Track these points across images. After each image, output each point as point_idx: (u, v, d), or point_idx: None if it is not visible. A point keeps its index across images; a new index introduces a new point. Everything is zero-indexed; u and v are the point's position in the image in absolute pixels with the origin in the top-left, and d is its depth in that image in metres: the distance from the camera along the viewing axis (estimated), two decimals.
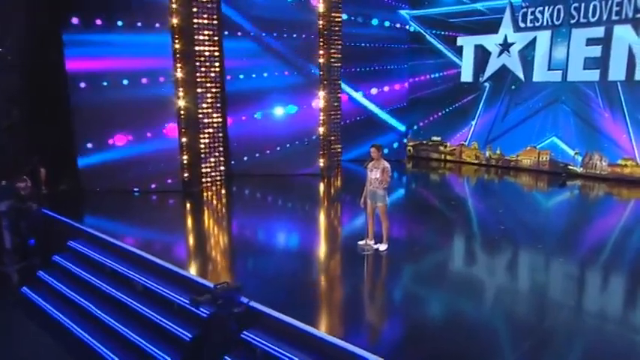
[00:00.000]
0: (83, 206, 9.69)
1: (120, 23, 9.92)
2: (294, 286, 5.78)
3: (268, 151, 12.21)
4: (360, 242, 7.03)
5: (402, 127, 15.09)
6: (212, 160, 11.26)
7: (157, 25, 9.85)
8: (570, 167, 12.60)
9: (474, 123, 14.45)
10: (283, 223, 8.46)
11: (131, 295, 6.06)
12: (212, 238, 7.83)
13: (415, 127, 16.07)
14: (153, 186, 10.49)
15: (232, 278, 5.60)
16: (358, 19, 13.77)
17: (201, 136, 11.05)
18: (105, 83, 10.10)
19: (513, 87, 13.50)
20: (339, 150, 13.37)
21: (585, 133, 12.21)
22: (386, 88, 14.82)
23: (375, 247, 6.95)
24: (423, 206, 9.96)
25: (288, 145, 12.17)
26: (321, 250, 7.33)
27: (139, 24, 9.84)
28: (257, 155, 12.24)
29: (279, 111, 12.16)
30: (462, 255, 7.28)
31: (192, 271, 6.10)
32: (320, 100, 12.11)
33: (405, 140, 15.54)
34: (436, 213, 9.36)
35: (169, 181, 10.46)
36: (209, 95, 11.00)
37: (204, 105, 10.95)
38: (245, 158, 12.32)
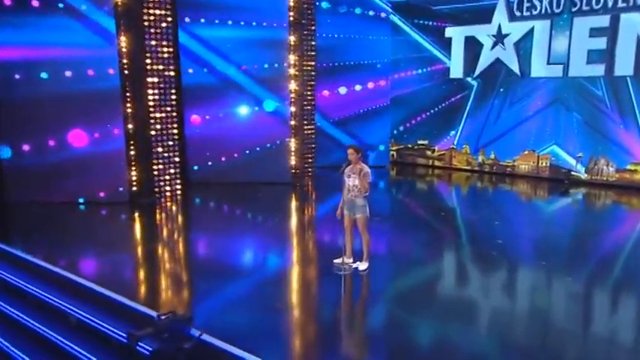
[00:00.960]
0: (5, 222, 9.36)
1: (61, 5, 9.64)
2: (257, 314, 5.53)
3: (236, 155, 12.29)
4: (336, 261, 6.84)
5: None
6: (169, 166, 11.19)
7: (106, 8, 9.71)
8: (573, 174, 12.65)
9: (460, 126, 14.65)
10: (247, 240, 8.29)
11: (62, 331, 5.60)
12: (161, 258, 7.59)
13: (398, 130, 16.14)
14: (102, 194, 10.41)
15: (182, 307, 5.47)
16: (330, 5, 13.92)
17: (156, 136, 10.93)
18: (43, 75, 9.77)
19: (508, 84, 13.60)
20: (311, 156, 13.25)
21: (589, 136, 12.23)
22: (368, 86, 14.90)
23: (354, 265, 6.79)
24: (409, 218, 9.99)
25: (258, 149, 12.23)
26: (291, 270, 7.13)
27: (84, 6, 9.61)
28: (223, 160, 12.29)
29: (244, 110, 12.25)
30: (455, 274, 7.17)
31: (135, 298, 5.80)
32: (292, 98, 12.26)
33: (388, 145, 15.59)
34: (424, 226, 9.33)
35: (120, 189, 10.38)
36: (164, 90, 10.90)
37: (157, 101, 10.82)
38: (209, 163, 12.38)
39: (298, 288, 6.63)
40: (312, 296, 6.36)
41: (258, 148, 12.32)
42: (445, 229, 9.06)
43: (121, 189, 10.35)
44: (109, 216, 9.63)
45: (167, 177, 11.20)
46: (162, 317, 4.12)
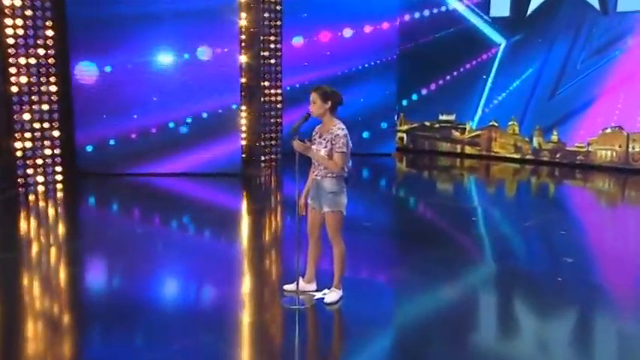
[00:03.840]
0: None
1: None
2: None
3: (154, 130, 12.44)
4: (288, 287, 6.70)
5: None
6: (43, 143, 11.44)
7: None
8: None
9: (504, 92, 14.93)
10: (157, 262, 8.09)
11: None
12: (27, 292, 7.25)
13: (409, 100, 16.28)
14: None
15: None
16: None
17: (20, 96, 11.09)
18: None
19: (580, 24, 13.70)
20: (275, 135, 13.83)
21: None
22: (364, 30, 15.10)
23: (318, 296, 6.60)
24: (421, 228, 10.05)
25: (188, 121, 12.47)
26: (215, 306, 6.93)
27: None
28: (133, 137, 12.44)
29: (168, 59, 12.28)
30: (491, 319, 6.82)
31: None
32: (243, 42, 12.55)
33: (393, 122, 15.88)
34: (443, 239, 9.35)
35: None
36: (33, 21, 11.05)
37: (21, 38, 10.95)
38: (111, 142, 12.49)
39: (225, 334, 6.09)
40: (245, 350, 5.98)
41: (188, 120, 12.46)
42: (475, 244, 9.18)
43: None
44: None
45: (39, 161, 11.39)
46: None
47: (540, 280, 7.52)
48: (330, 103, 6.20)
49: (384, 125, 15.65)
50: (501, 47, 14.78)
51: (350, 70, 15.08)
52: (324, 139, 6.21)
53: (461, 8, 15.22)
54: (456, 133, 15.86)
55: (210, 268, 7.91)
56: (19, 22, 10.80)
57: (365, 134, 15.21)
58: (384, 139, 15.64)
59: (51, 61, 11.26)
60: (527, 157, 14.80)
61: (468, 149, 15.71)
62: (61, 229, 9.86)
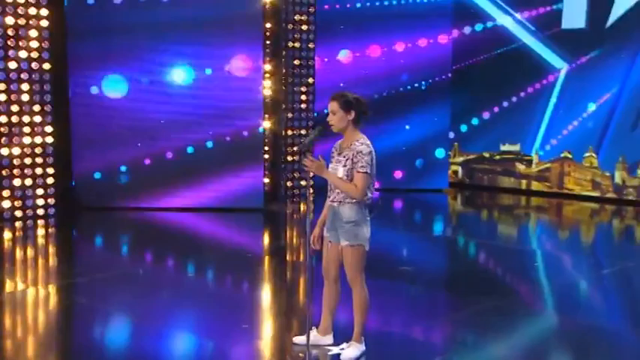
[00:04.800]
0: None
1: None
2: None
3: (170, 155, 12.59)
4: (299, 339, 6.46)
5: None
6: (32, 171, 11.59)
7: None
8: None
9: (579, 117, 14.70)
10: (159, 310, 8.07)
11: None
12: None
13: (465, 127, 16.32)
14: None
15: None
16: None
17: None
18: None
19: None
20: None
21: None
22: (418, 43, 15.16)
23: (334, 351, 6.35)
24: (474, 274, 9.91)
25: (207, 145, 12.58)
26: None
27: None
28: (138, 166, 12.60)
29: (179, 75, 12.45)
30: None
31: None
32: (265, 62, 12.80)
33: (446, 153, 15.81)
34: (502, 287, 9.26)
35: None
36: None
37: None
38: (113, 172, 12.62)
39: None
40: None
41: (208, 144, 12.54)
42: (540, 294, 9.07)
43: None
44: None
45: (26, 190, 11.49)
46: None
47: (618, 339, 7.36)
48: (353, 113, 5.97)
49: (435, 156, 15.54)
50: (566, 68, 14.79)
51: (393, 92, 15.14)
52: (344, 157, 5.96)
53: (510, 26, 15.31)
54: (521, 167, 15.63)
55: (212, 316, 7.96)
56: (10, 20, 11.06)
57: (412, 167, 15.23)
58: (434, 173, 15.50)
59: (46, 76, 11.48)
60: (609, 195, 14.57)
61: (536, 185, 15.44)
62: (49, 272, 9.89)
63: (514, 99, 15.54)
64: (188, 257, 10.38)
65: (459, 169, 16.46)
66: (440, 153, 15.58)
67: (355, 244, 5.94)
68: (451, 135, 16.11)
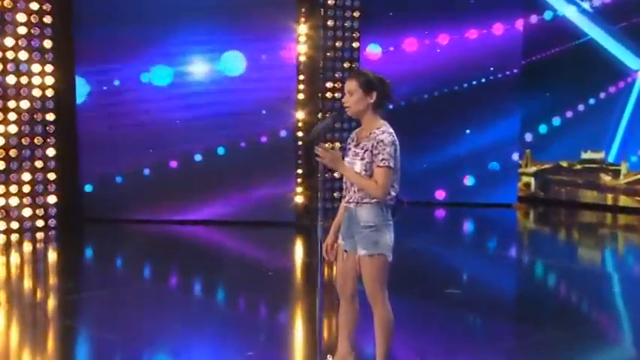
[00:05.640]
0: None
1: None
2: None
3: (175, 163, 12.63)
4: None
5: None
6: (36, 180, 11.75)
7: None
8: None
9: None
10: (173, 333, 8.14)
11: None
12: None
13: (538, 131, 16.19)
14: None
15: None
16: None
17: None
18: None
19: None
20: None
21: None
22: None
23: None
24: (540, 300, 9.70)
25: (224, 151, 12.59)
26: None
27: None
28: (150, 173, 12.67)
29: (200, 69, 12.50)
30: None
31: None
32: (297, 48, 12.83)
33: (516, 161, 15.73)
34: (573, 316, 9.02)
35: None
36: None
37: None
38: (122, 180, 12.73)
39: None
40: None
41: (223, 149, 12.59)
42: (619, 325, 8.91)
43: None
44: None
45: (26, 200, 11.66)
46: None
47: None
48: (374, 95, 5.68)
49: (501, 165, 15.44)
50: None
51: (449, 91, 15.12)
52: (362, 148, 5.71)
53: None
54: (606, 178, 15.41)
55: (215, 341, 8.03)
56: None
57: (473, 178, 15.17)
58: (501, 185, 15.40)
59: (48, 68, 11.65)
60: None
61: (624, 200, 15.20)
62: (51, 295, 9.92)
63: (596, 98, 15.33)
64: (201, 275, 10.45)
65: (532, 180, 16.28)
66: (507, 162, 15.45)
67: (375, 254, 5.66)
68: (522, 140, 15.96)
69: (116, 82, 12.50)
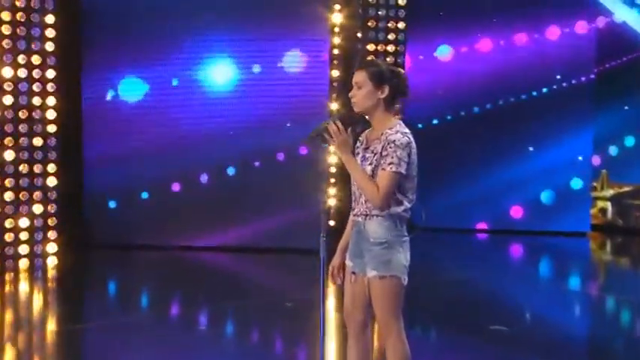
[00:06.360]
0: None
1: None
2: None
3: (203, 179, 12.68)
4: None
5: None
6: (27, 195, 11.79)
7: None
8: None
9: None
10: None
11: None
12: None
13: (617, 148, 15.95)
14: None
15: None
16: None
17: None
18: None
19: None
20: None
21: None
22: (547, 36, 15.02)
23: None
24: (601, 343, 9.61)
25: (251, 166, 12.57)
26: None
27: None
28: (166, 192, 12.68)
29: (219, 74, 12.57)
30: None
31: None
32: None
33: (589, 183, 15.53)
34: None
35: None
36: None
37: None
38: (135, 199, 12.77)
39: None
40: None
41: (255, 164, 12.57)
42: None
43: None
44: None
45: (23, 222, 11.70)
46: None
47: None
48: (387, 90, 5.41)
49: (570, 188, 15.23)
50: None
51: (511, 101, 14.98)
52: (372, 152, 5.53)
53: None
54: None
55: None
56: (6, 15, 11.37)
57: (537, 202, 15.03)
58: (570, 211, 15.15)
59: (50, 73, 11.65)
60: None
61: None
62: (48, 332, 9.84)
63: None
64: (212, 305, 10.45)
65: (608, 205, 15.98)
66: (577, 184, 15.26)
67: (387, 275, 5.40)
68: (596, 160, 15.62)
69: (121, 95, 12.58)
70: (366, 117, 5.64)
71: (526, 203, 14.93)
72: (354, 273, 5.63)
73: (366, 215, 5.51)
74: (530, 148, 14.88)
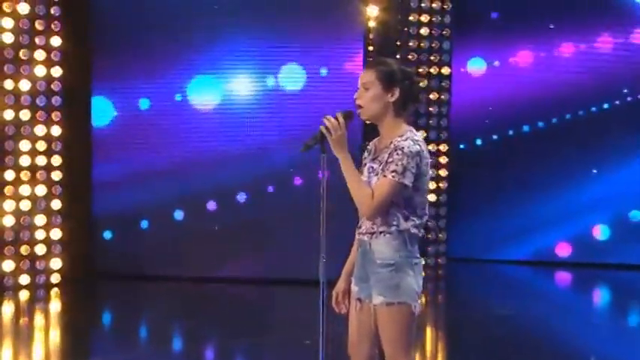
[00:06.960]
0: None
1: None
2: None
3: (218, 203, 12.84)
4: None
5: None
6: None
7: None
8: None
9: None
10: None
11: None
12: None
13: None
14: None
15: None
16: None
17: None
18: None
19: None
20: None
21: None
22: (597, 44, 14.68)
23: None
24: None
25: (259, 193, 12.71)
26: None
27: None
28: (178, 218, 12.86)
29: (246, 85, 12.73)
30: None
31: None
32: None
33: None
34: None
35: None
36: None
37: None
38: (145, 225, 12.92)
39: None
40: None
41: (269, 188, 12.73)
42: None
43: None
44: None
45: (24, 249, 11.81)
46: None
47: None
48: (397, 93, 5.20)
49: (637, 216, 14.80)
50: None
51: (566, 119, 14.79)
52: (379, 161, 5.34)
53: None
54: None
55: None
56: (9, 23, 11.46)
57: (607, 230, 14.63)
58: (638, 240, 14.60)
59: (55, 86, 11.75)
60: None
61: None
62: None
63: None
64: (224, 343, 10.50)
65: None
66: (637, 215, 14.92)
67: (395, 302, 5.16)
68: None
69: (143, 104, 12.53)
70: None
71: (582, 232, 14.52)
72: (359, 299, 5.44)
73: (372, 233, 5.29)
74: (594, 170, 14.47)
